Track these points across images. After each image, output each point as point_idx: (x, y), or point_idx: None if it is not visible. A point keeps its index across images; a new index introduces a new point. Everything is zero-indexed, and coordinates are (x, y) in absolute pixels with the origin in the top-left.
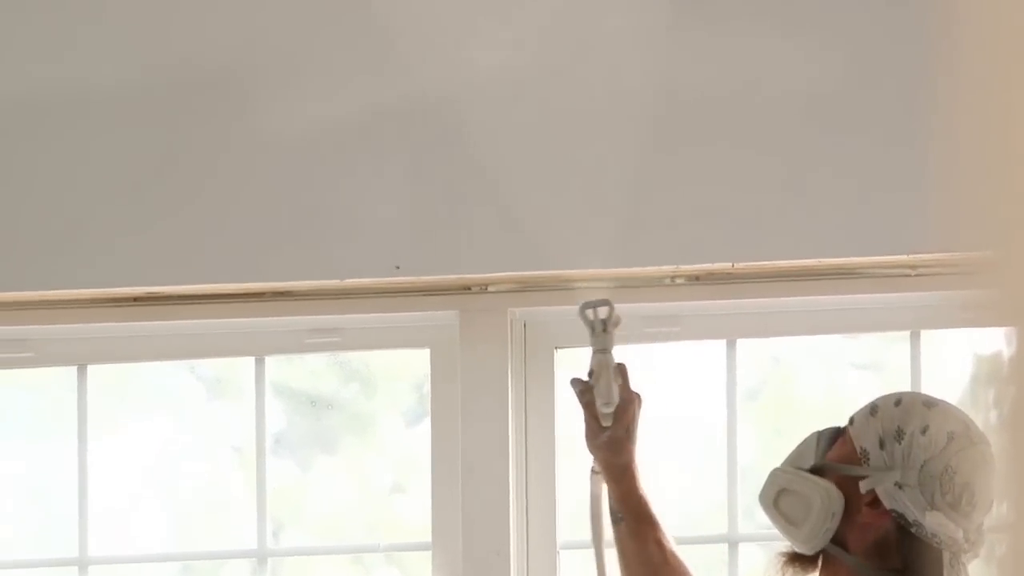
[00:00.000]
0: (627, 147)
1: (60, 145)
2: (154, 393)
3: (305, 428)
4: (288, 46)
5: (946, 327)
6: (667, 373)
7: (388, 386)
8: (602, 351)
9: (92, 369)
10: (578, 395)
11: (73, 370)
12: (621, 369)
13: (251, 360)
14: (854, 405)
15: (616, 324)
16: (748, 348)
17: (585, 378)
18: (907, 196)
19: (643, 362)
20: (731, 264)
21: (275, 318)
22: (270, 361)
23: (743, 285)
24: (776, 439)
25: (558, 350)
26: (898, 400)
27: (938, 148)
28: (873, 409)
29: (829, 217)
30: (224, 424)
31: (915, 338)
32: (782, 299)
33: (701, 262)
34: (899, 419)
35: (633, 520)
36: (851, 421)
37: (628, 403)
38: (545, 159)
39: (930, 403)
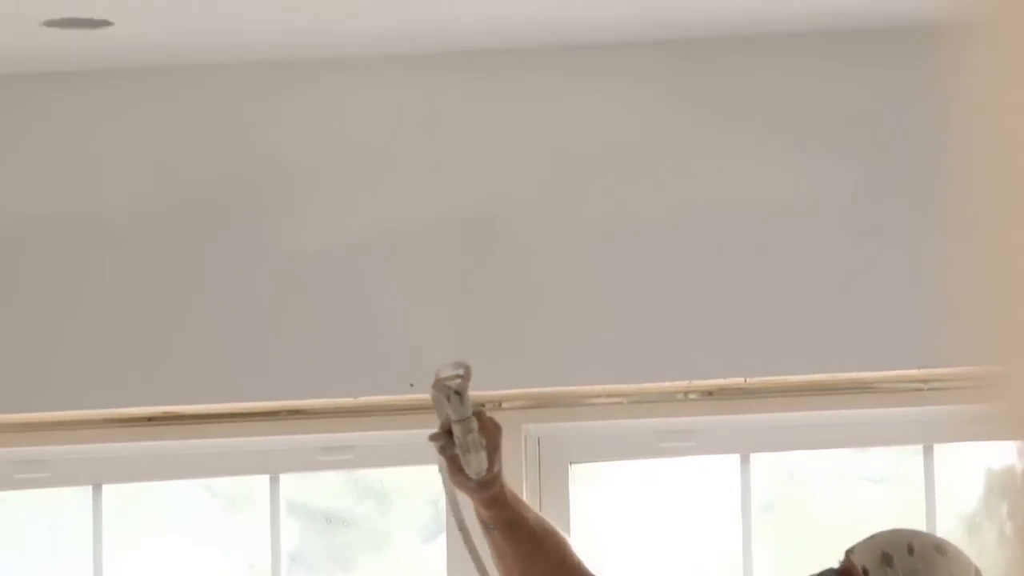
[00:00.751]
0: (639, 262)
1: (74, 267)
2: (169, 512)
3: (320, 546)
4: (300, 168)
5: (958, 440)
6: (681, 488)
7: (403, 502)
8: (463, 421)
9: (107, 488)
10: (439, 450)
11: (88, 489)
12: (481, 419)
13: (266, 478)
14: (869, 519)
15: (467, 384)
16: (762, 462)
17: (440, 430)
18: (918, 311)
19: (657, 477)
20: (744, 379)
21: (289, 436)
22: (285, 479)
23: (756, 400)
24: (792, 554)
25: (572, 465)
26: (909, 547)
27: (948, 263)
28: (887, 559)
29: (841, 332)
30: (239, 542)
31: (928, 452)
32: (795, 413)
33: (714, 377)
34: (922, 572)
35: (506, 528)
36: (865, 572)
37: (494, 450)
38: (557, 274)
39: (941, 548)
